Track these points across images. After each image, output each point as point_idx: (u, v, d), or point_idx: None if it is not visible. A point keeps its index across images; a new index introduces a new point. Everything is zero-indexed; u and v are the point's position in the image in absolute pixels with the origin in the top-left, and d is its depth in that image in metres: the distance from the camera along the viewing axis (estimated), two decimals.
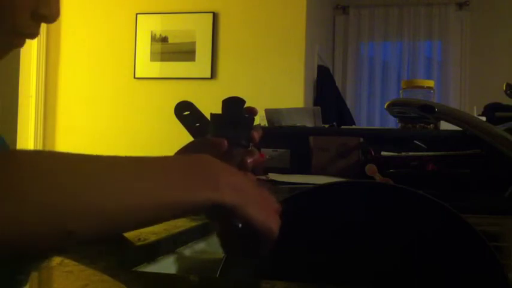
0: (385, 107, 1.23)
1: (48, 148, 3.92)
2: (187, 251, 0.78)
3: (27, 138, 3.84)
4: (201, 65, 3.76)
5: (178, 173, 0.50)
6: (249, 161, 0.67)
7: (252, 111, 0.71)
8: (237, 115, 0.70)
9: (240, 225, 0.54)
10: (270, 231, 0.54)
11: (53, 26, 3.93)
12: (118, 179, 0.45)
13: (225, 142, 0.67)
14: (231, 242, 0.59)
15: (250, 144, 0.70)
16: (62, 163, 0.43)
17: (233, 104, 0.70)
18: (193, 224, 0.85)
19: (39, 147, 3.87)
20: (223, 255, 0.68)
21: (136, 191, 0.45)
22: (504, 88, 1.35)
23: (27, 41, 0.66)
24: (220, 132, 0.69)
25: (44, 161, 0.43)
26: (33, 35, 0.65)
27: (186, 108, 0.75)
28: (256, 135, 0.70)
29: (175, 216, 0.52)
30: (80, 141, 3.84)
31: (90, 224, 0.43)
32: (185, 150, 0.70)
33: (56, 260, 0.52)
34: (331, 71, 4.79)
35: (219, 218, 0.56)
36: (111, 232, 0.48)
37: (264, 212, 0.54)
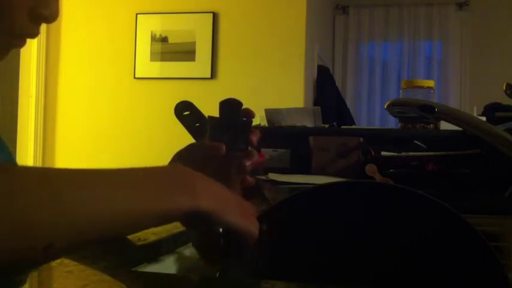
0: (385, 107, 1.23)
1: (48, 148, 3.92)
2: (187, 251, 0.78)
3: (27, 138, 3.84)
4: (201, 65, 3.76)
5: (153, 182, 0.50)
6: (247, 163, 0.67)
7: (249, 114, 0.69)
8: (234, 118, 0.69)
9: (221, 230, 0.55)
10: (250, 233, 0.55)
11: (53, 26, 3.92)
12: (88, 191, 0.45)
13: (223, 146, 0.66)
14: (210, 250, 0.60)
15: (248, 147, 0.69)
16: (32, 178, 0.43)
17: (230, 107, 0.69)
18: None
19: (39, 147, 3.88)
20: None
21: (108, 201, 0.45)
22: (504, 88, 1.35)
23: (28, 40, 0.66)
24: (218, 135, 0.68)
25: (13, 177, 0.42)
26: (33, 35, 0.65)
27: (186, 108, 0.75)
28: (254, 138, 0.69)
29: (152, 225, 0.51)
30: (80, 141, 3.84)
31: (62, 237, 0.43)
32: (182, 154, 0.70)
33: (56, 260, 0.52)
34: (331, 71, 4.79)
35: (198, 226, 0.56)
36: (88, 243, 0.47)
37: (242, 216, 0.55)
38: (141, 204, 0.47)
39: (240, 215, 0.54)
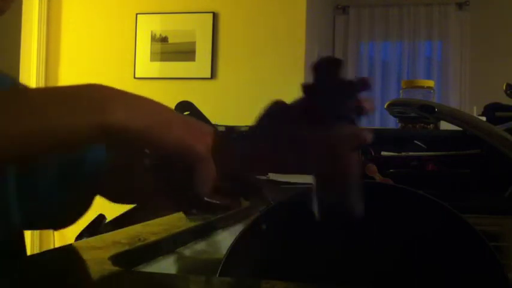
0: (385, 107, 1.23)
1: None
2: (187, 251, 0.78)
3: None
4: (201, 65, 3.76)
5: (60, 99, 0.44)
6: (366, 136, 0.53)
7: (364, 81, 0.54)
8: (338, 80, 0.53)
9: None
10: (194, 152, 0.45)
11: (53, 25, 3.93)
12: None
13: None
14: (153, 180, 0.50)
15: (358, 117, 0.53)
16: None
17: (329, 67, 0.53)
18: (193, 224, 0.85)
19: None
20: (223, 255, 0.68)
21: (9, 118, 0.41)
22: (504, 88, 1.35)
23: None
24: (317, 101, 0.53)
25: None
26: None
27: (186, 108, 0.75)
28: (368, 104, 0.54)
29: (59, 147, 0.44)
30: None
31: None
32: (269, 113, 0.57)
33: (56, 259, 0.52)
34: None
35: (126, 151, 0.48)
36: None
37: (182, 134, 0.46)
38: (41, 122, 0.42)
39: (185, 135, 0.46)
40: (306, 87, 0.55)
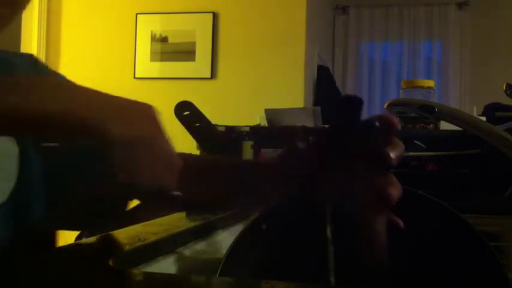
0: (385, 107, 1.23)
1: None
2: (187, 251, 0.78)
3: None
4: (201, 65, 3.76)
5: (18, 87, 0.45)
6: (391, 192, 0.48)
7: (389, 121, 0.47)
8: (368, 125, 0.46)
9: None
10: (140, 137, 0.45)
11: (52, 26, 3.93)
12: None
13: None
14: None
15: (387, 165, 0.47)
16: None
17: (351, 107, 0.46)
18: (193, 224, 0.85)
19: None
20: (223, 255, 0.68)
21: None
22: (504, 88, 1.35)
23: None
24: (340, 147, 0.47)
25: None
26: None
27: (186, 108, 0.75)
28: (394, 152, 0.47)
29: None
30: None
31: None
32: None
33: (55, 259, 0.53)
34: (331, 71, 4.79)
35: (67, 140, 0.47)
36: None
37: (132, 120, 0.46)
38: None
39: (129, 119, 0.46)
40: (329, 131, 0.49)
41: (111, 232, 0.75)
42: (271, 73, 3.68)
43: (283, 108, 2.47)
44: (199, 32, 3.77)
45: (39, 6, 3.83)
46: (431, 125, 1.90)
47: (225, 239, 0.87)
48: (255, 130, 2.25)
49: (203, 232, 0.84)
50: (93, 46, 3.90)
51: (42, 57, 3.91)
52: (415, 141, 1.78)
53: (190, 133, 0.73)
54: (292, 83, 3.67)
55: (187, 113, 0.74)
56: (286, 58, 3.67)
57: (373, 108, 5.10)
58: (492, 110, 1.91)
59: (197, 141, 0.97)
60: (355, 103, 0.47)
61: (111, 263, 0.54)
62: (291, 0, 3.70)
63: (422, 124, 1.89)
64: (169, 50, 3.81)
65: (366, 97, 5.13)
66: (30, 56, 0.78)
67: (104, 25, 3.90)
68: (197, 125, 0.74)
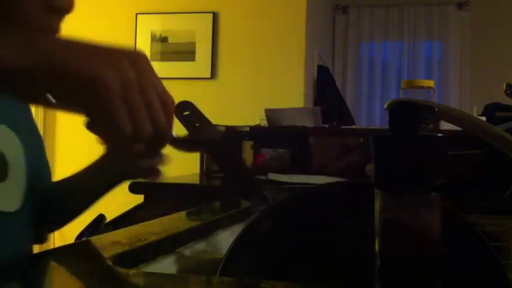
0: (385, 107, 1.23)
1: (48, 150, 3.91)
2: (187, 251, 0.78)
3: None
4: (201, 65, 3.76)
5: None
6: None
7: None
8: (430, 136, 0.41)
9: (52, 99, 0.44)
10: (94, 80, 0.45)
11: None
12: None
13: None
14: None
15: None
16: None
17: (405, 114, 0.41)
18: (193, 224, 0.85)
19: None
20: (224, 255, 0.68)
21: None
22: (504, 88, 1.35)
23: None
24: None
25: None
26: (51, 27, 0.66)
27: (186, 108, 0.75)
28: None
29: None
30: (80, 142, 3.84)
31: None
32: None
33: (56, 259, 0.53)
34: (331, 71, 4.79)
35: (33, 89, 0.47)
36: None
37: (83, 63, 0.46)
38: None
39: (84, 63, 0.46)
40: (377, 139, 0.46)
41: (111, 232, 0.75)
42: (271, 73, 3.68)
43: (283, 108, 2.47)
44: (199, 32, 3.77)
45: None
46: (431, 125, 1.90)
47: (225, 239, 0.87)
48: (255, 130, 2.26)
49: (203, 232, 0.84)
50: None
51: None
52: None
53: (190, 133, 0.73)
54: (292, 83, 3.68)
55: (187, 113, 0.74)
56: (286, 58, 3.67)
57: (373, 108, 5.10)
58: (492, 110, 1.91)
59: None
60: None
61: (111, 263, 0.54)
62: (291, 0, 3.70)
63: (422, 124, 1.89)
64: (169, 50, 3.81)
65: (366, 97, 5.14)
66: None
67: (104, 25, 3.90)
68: (197, 125, 0.74)
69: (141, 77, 0.48)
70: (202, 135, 0.64)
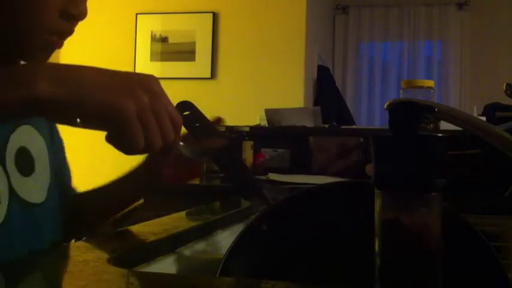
0: (385, 107, 1.23)
1: None
2: (187, 251, 0.78)
3: None
4: (201, 65, 3.76)
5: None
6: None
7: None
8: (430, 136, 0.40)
9: (79, 122, 0.51)
10: (116, 109, 0.51)
11: None
12: None
13: None
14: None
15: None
16: None
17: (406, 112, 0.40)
18: (193, 224, 0.85)
19: None
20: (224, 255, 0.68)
21: None
22: (504, 88, 1.35)
23: None
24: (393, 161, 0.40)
25: None
26: (66, 32, 0.72)
27: (186, 108, 0.75)
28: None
29: None
30: (80, 142, 3.83)
31: None
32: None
33: (56, 259, 0.53)
34: (331, 71, 4.79)
35: (64, 119, 0.53)
36: None
37: (110, 94, 0.51)
38: None
39: (106, 94, 0.51)
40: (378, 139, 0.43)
41: (112, 232, 0.75)
42: (271, 73, 3.68)
43: (283, 108, 2.47)
44: (199, 32, 3.77)
45: None
46: (431, 125, 1.90)
47: (225, 239, 0.87)
48: (255, 130, 2.26)
49: (203, 232, 0.84)
50: (93, 46, 3.90)
51: None
52: None
53: (190, 133, 0.73)
54: (292, 83, 3.68)
55: (187, 113, 0.74)
56: (286, 58, 3.67)
57: (373, 108, 5.10)
58: (492, 110, 1.91)
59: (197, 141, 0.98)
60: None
61: (111, 263, 0.54)
62: (291, 0, 3.70)
63: (422, 124, 1.89)
64: (169, 50, 3.81)
65: (366, 97, 5.14)
66: None
67: (104, 25, 3.90)
68: (197, 125, 0.74)
69: (154, 100, 0.55)
70: (206, 147, 0.67)
